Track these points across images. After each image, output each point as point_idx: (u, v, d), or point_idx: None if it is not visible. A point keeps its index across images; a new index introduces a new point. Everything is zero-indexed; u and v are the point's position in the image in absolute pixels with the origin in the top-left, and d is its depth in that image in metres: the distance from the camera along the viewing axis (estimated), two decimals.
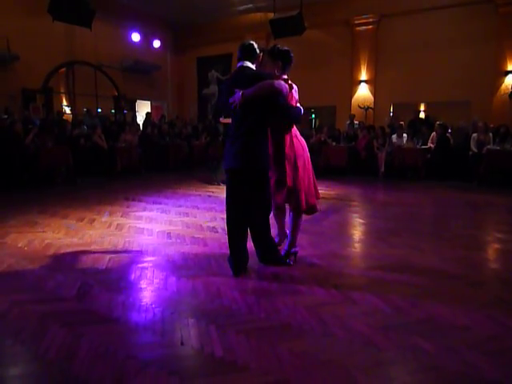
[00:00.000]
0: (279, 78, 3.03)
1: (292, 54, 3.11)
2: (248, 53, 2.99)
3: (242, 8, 12.42)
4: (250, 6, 12.18)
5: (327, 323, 2.27)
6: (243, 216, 3.08)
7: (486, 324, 2.29)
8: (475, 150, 8.37)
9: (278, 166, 3.09)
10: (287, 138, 3.09)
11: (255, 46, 3.02)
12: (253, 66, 3.01)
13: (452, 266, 3.28)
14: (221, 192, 7.27)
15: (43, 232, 4.35)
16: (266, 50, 3.13)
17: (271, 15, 9.91)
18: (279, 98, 2.89)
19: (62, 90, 11.32)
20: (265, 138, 3.00)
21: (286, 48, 3.08)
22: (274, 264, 3.23)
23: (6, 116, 8.48)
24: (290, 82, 3.07)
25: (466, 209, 6.03)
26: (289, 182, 3.03)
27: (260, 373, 1.82)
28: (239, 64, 2.98)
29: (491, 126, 8.77)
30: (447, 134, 8.94)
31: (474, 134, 8.51)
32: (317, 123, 13.89)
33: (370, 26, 11.31)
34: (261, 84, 2.82)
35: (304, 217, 5.31)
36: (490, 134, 8.44)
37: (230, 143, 3.00)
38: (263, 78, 2.87)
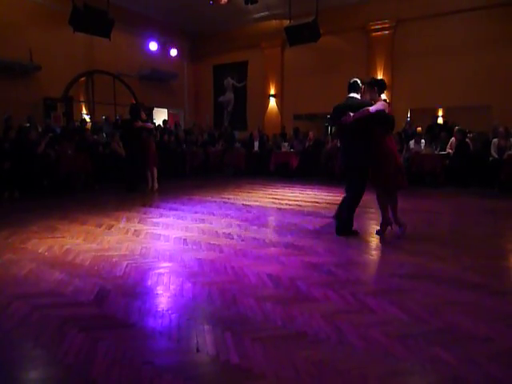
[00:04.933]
0: (379, 99, 4.25)
1: (384, 82, 4.48)
2: (353, 87, 4.36)
3: (257, 16, 12.50)
4: (266, 13, 12.25)
5: (344, 332, 2.24)
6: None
7: (509, 335, 2.22)
8: (496, 155, 8.19)
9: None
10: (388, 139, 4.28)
11: (359, 81, 4.38)
12: (358, 96, 4.35)
13: (472, 275, 3.21)
14: (236, 199, 7.29)
15: (63, 238, 4.44)
16: (365, 82, 4.42)
17: (287, 22, 9.94)
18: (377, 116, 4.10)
19: (82, 99, 11.58)
20: (361, 144, 4.26)
21: (379, 78, 4.37)
22: (343, 234, 4.44)
23: (28, 124, 8.70)
24: (387, 100, 4.09)
25: (487, 216, 5.89)
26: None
27: (276, 381, 1.80)
28: (348, 95, 4.37)
29: None
30: (467, 140, 8.78)
31: (495, 140, 8.34)
32: (333, 129, 13.81)
33: (387, 32, 11.22)
34: (361, 111, 4.06)
35: (320, 223, 5.31)
36: (511, 140, 8.25)
37: (343, 148, 4.58)
38: (364, 106, 4.09)
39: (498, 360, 1.96)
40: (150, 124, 8.80)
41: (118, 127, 9.92)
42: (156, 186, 8.40)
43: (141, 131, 8.05)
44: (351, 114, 4.12)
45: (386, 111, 4.17)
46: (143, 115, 8.40)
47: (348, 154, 4.44)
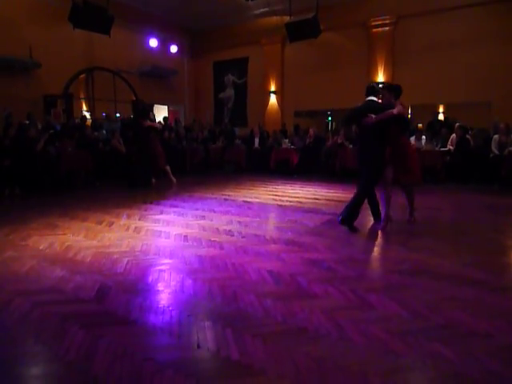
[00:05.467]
0: (397, 103, 4.49)
1: (401, 88, 4.65)
2: (372, 91, 4.60)
3: (258, 12, 12.44)
4: (266, 9, 12.19)
5: (344, 328, 2.25)
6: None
7: (509, 331, 2.23)
8: (496, 151, 8.17)
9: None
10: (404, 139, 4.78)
11: (375, 86, 4.71)
12: (376, 99, 4.60)
13: (472, 271, 3.21)
14: (237, 195, 7.29)
15: (63, 234, 4.44)
16: (383, 87, 4.82)
17: (287, 18, 9.90)
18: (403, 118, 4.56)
19: (82, 96, 11.56)
20: (380, 144, 4.53)
21: (396, 84, 4.81)
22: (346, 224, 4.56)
23: (27, 121, 8.69)
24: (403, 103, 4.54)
25: (487, 212, 5.89)
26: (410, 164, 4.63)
27: (276, 377, 1.81)
28: (367, 98, 4.59)
29: None
30: (467, 136, 8.76)
31: (495, 136, 8.31)
32: (333, 126, 13.81)
33: (387, 28, 11.17)
34: (385, 112, 4.35)
35: (320, 219, 5.31)
36: None
37: (361, 147, 4.78)
38: (386, 109, 4.39)
39: (498, 356, 1.96)
40: (158, 124, 9.05)
41: (126, 126, 9.98)
42: (174, 180, 8.58)
43: (149, 131, 8.18)
44: (373, 116, 4.36)
45: (405, 114, 4.53)
46: (151, 115, 8.56)
47: (367, 152, 4.59)
